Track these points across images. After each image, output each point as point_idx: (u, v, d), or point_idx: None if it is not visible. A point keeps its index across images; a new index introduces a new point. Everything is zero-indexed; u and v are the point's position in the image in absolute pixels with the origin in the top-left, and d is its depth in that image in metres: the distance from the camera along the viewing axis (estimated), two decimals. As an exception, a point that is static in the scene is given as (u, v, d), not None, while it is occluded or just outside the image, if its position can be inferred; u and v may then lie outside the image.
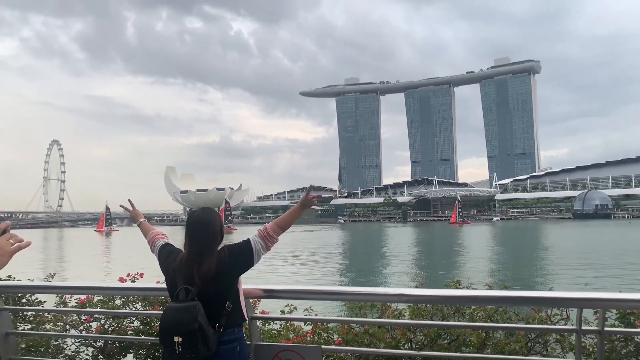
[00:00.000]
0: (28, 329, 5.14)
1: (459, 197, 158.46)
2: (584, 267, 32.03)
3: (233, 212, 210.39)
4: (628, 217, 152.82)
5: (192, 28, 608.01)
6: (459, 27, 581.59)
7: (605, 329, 3.69)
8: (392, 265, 36.37)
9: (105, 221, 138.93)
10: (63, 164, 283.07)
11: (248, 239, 3.54)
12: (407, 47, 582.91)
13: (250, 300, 4.23)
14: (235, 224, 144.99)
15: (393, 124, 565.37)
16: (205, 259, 3.36)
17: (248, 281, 3.86)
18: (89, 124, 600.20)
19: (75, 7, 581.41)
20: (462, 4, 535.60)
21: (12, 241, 2.35)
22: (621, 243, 54.27)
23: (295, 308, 4.96)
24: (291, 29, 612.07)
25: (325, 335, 4.67)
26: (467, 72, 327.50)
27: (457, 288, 4.98)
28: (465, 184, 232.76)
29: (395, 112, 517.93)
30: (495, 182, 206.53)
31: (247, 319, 3.59)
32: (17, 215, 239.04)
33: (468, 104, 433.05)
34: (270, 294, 4.18)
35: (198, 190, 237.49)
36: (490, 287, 5.56)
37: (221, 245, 3.52)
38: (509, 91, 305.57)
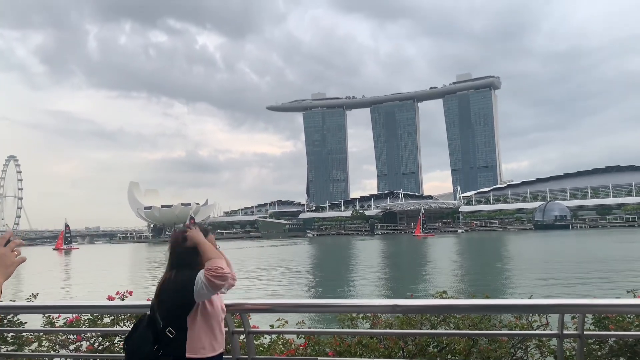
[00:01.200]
0: (11, 350, 5.01)
1: (422, 210, 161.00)
2: (549, 274, 33.10)
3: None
4: (585, 227, 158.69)
5: (156, 42, 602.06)
6: (422, 44, 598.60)
7: (585, 332, 3.95)
8: (367, 278, 36.56)
9: (64, 239, 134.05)
10: (20, 180, 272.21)
11: (197, 275, 3.22)
12: (372, 63, 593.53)
13: (247, 314, 4.29)
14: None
15: (360, 138, 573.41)
16: (164, 275, 3.38)
17: (235, 297, 3.88)
18: (49, 139, 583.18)
19: (35, 20, 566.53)
20: (425, 21, 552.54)
21: (16, 252, 2.33)
22: (581, 252, 56.35)
23: (286, 322, 5.03)
24: (258, 44, 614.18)
25: (317, 347, 4.75)
26: (431, 88, 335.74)
27: (443, 298, 5.17)
28: (430, 197, 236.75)
29: (362, 127, 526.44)
30: (459, 194, 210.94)
31: (187, 357, 3.23)
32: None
33: (432, 118, 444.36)
34: (264, 308, 4.26)
35: (163, 206, 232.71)
36: (475, 297, 5.79)
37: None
38: (470, 106, 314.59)
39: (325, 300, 4.30)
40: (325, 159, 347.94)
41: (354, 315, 4.99)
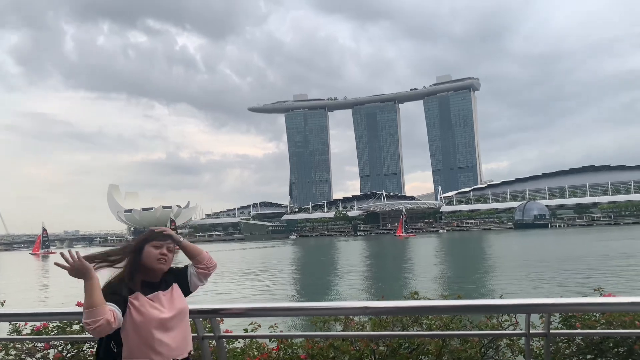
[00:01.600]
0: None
1: (404, 210, 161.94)
2: (527, 273, 33.59)
3: (181, 231, 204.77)
4: (564, 225, 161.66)
5: (135, 42, 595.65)
6: (403, 46, 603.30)
7: (551, 331, 4.02)
8: (347, 279, 36.66)
9: (41, 243, 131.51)
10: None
11: None
12: (353, 64, 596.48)
13: (217, 319, 4.26)
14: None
15: (342, 139, 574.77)
16: None
17: (204, 298, 3.84)
18: (26, 142, 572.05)
19: (9, 20, 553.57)
20: (405, 24, 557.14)
21: None
22: (558, 251, 57.37)
23: (259, 325, 5.00)
24: (238, 45, 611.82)
25: (290, 351, 4.73)
26: (411, 89, 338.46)
27: (415, 299, 5.20)
28: (412, 197, 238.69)
29: (344, 128, 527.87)
30: (440, 194, 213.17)
31: None
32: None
33: (413, 119, 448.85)
34: (235, 312, 4.23)
35: (143, 209, 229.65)
36: (446, 297, 5.85)
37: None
38: (450, 107, 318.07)
39: (297, 303, 4.27)
40: (308, 160, 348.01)
41: (327, 317, 4.98)
